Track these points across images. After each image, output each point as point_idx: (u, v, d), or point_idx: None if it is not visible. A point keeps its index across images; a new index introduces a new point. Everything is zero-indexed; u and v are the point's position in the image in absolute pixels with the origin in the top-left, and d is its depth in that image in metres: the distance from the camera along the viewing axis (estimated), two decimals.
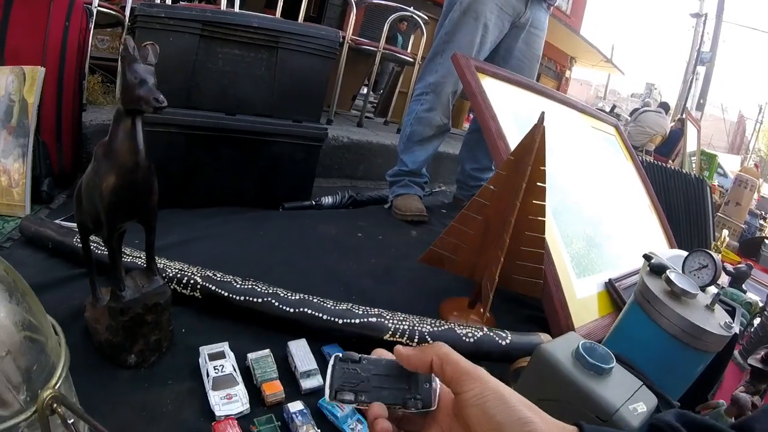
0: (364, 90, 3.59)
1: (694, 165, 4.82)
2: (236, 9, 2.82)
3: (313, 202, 1.86)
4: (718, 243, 2.25)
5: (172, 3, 2.53)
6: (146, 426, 0.75)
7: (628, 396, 0.65)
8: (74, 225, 1.24)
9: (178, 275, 1.03)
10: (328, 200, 1.89)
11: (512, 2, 1.81)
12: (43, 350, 0.44)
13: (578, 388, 0.64)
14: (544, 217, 1.04)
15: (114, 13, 2.42)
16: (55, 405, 0.41)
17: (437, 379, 0.43)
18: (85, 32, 1.72)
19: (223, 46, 1.59)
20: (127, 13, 2.40)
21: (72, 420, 0.43)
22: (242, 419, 0.80)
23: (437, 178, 2.76)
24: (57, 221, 1.26)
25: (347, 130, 2.65)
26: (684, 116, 5.62)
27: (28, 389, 0.42)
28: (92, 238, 0.92)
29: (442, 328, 0.98)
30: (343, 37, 2.62)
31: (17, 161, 1.39)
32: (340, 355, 0.44)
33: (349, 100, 3.42)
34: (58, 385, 0.44)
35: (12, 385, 0.40)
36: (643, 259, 1.08)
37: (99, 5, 2.14)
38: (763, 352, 1.28)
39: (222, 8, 2.66)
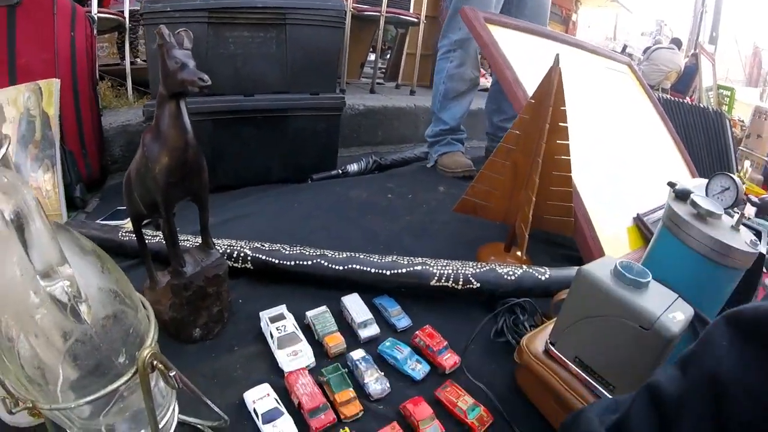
0: (371, 57, 3.59)
1: (711, 100, 4.74)
2: None
3: (340, 171, 1.91)
4: (741, 174, 2.25)
5: None
6: (221, 390, 0.80)
7: (666, 306, 0.70)
8: (115, 222, 1.29)
9: (228, 250, 1.08)
10: (353, 167, 1.93)
11: None
12: (135, 317, 0.47)
13: (620, 301, 0.69)
14: (569, 155, 1.07)
15: (114, 17, 2.44)
16: (155, 362, 0.44)
17: None
18: (91, 39, 1.75)
19: (232, 30, 1.62)
20: (126, 15, 2.43)
21: (173, 373, 0.47)
22: (311, 372, 0.85)
23: (473, 135, 2.78)
24: (98, 221, 1.30)
25: (361, 97, 2.67)
26: (697, 51, 5.50)
27: (126, 352, 0.45)
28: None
29: (484, 269, 1.03)
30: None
31: (47, 172, 1.42)
32: None
33: (357, 68, 3.42)
34: (153, 345, 0.47)
35: (113, 348, 0.44)
36: (668, 187, 1.12)
37: (99, 11, 2.17)
38: None
39: None
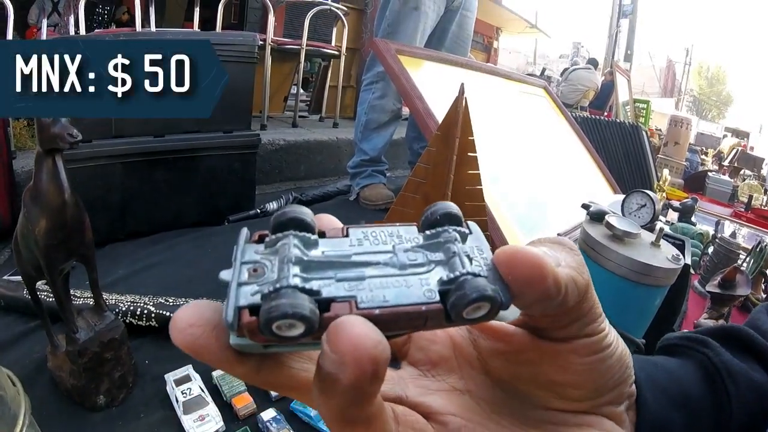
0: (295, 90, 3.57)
1: (628, 113, 4.97)
2: (152, 28, 2.75)
3: (258, 210, 1.84)
4: (661, 182, 2.33)
5: (86, 33, 2.45)
6: None
7: None
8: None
9: (131, 308, 1.02)
10: (273, 205, 1.87)
11: None
12: (2, 402, 0.43)
13: None
14: (481, 185, 1.05)
15: None
16: None
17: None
18: None
19: None
20: None
21: None
22: None
23: (398, 165, 2.81)
24: (5, 277, 1.21)
25: (282, 132, 2.63)
26: (612, 69, 5.80)
27: None
28: (42, 287, 0.91)
29: None
30: (264, 40, 2.59)
31: None
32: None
33: (281, 102, 3.38)
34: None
35: None
36: (583, 209, 1.11)
37: None
38: (719, 278, 1.34)
39: (138, 29, 2.59)
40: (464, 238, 0.20)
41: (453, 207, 0.20)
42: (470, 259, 0.19)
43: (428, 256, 0.19)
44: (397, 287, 0.18)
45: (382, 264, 0.18)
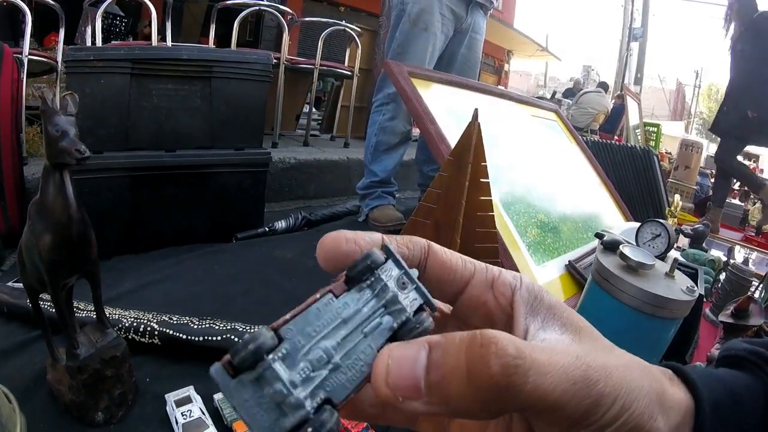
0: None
1: (639, 137, 4.94)
2: (169, 43, 2.77)
3: (267, 229, 1.83)
4: (672, 208, 2.30)
5: (103, 44, 2.48)
6: None
7: None
8: None
9: (135, 324, 1.01)
10: (281, 225, 1.86)
11: (454, 10, 1.90)
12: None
13: None
14: (493, 211, 1.04)
15: (46, 60, 2.36)
16: None
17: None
18: (17, 83, 1.65)
19: (155, 83, 1.56)
20: (59, 59, 2.34)
21: None
22: None
23: (407, 186, 2.80)
24: (9, 284, 1.20)
25: (293, 150, 2.64)
26: (623, 92, 5.79)
27: None
28: (45, 296, 0.90)
29: None
30: (278, 58, 2.60)
31: None
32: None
33: (293, 120, 3.39)
34: None
35: None
36: (596, 238, 1.09)
37: (30, 53, 2.08)
38: (732, 307, 1.32)
39: (154, 43, 2.61)
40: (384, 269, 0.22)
41: (370, 255, 0.22)
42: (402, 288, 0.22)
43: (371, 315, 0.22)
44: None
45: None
